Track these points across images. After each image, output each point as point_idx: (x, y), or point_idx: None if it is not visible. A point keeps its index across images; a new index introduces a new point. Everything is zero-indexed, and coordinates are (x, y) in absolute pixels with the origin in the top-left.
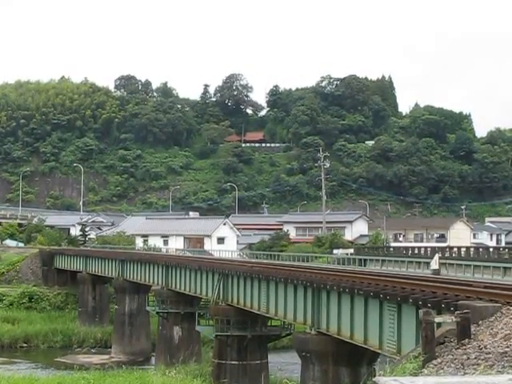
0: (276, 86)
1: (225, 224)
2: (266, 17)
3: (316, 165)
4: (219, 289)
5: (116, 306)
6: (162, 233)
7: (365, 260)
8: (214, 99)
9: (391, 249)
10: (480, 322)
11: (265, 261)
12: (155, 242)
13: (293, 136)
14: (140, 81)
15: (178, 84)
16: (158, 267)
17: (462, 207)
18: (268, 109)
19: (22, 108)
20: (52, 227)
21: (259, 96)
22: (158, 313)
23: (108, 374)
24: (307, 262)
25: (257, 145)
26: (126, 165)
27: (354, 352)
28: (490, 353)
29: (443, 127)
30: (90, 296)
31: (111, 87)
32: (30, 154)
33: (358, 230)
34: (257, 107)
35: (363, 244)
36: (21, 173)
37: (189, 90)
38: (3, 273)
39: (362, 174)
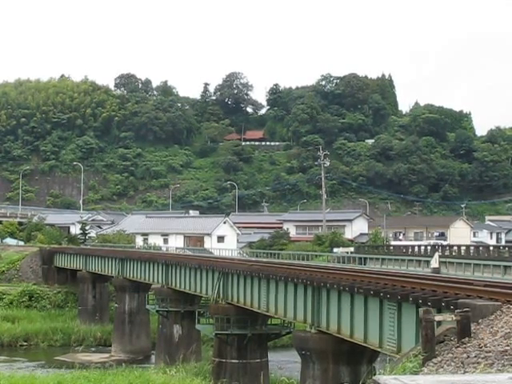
0: (276, 85)
1: (225, 222)
2: (266, 15)
3: (316, 163)
4: (219, 287)
5: (116, 305)
6: (162, 231)
7: (365, 258)
8: (214, 98)
9: (391, 247)
10: (480, 321)
11: (265, 259)
12: (155, 240)
13: (293, 134)
14: (140, 79)
15: (178, 82)
16: (158, 266)
17: (462, 206)
18: (268, 107)
19: (22, 106)
20: (52, 226)
21: (259, 94)
22: (157, 311)
23: (108, 372)
24: (307, 260)
25: (257, 143)
26: (126, 163)
27: (353, 351)
28: (490, 351)
29: (443, 126)
30: (90, 294)
31: (111, 86)
32: (30, 152)
33: (358, 228)
34: (257, 106)
35: (363, 242)
36: (21, 171)
37: (189, 88)
38: (3, 271)
39: (361, 173)
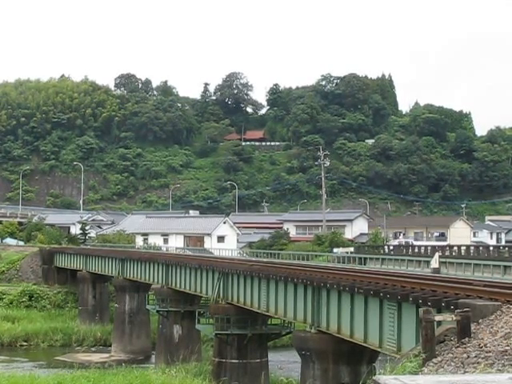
0: (276, 85)
1: (225, 223)
2: (266, 15)
3: (316, 163)
4: (219, 287)
5: (116, 305)
6: (162, 231)
7: (365, 258)
8: (214, 98)
9: (391, 247)
10: (480, 321)
11: (265, 259)
12: (155, 240)
13: (293, 134)
14: (140, 79)
15: (178, 82)
16: (158, 266)
17: (462, 206)
18: (268, 107)
19: (22, 107)
20: (52, 226)
21: (259, 94)
22: (158, 311)
23: (108, 372)
24: (307, 260)
25: (257, 143)
26: (126, 163)
27: (353, 351)
28: (490, 351)
29: (443, 126)
30: (90, 295)
31: (111, 86)
32: (30, 152)
33: (358, 228)
34: (257, 106)
35: (363, 242)
36: (21, 171)
37: (189, 88)
38: (3, 271)
39: (362, 173)
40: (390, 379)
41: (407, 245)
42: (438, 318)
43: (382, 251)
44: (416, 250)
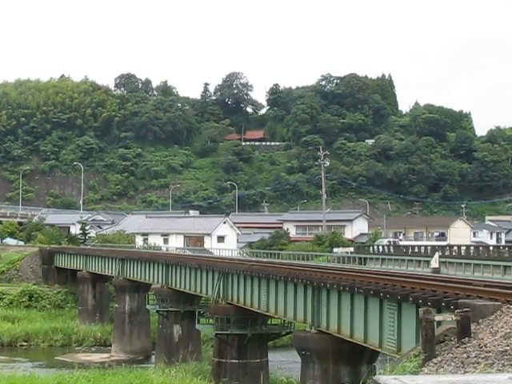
0: (276, 85)
1: (225, 223)
2: (266, 15)
3: (316, 163)
4: (219, 287)
5: (116, 305)
6: (162, 231)
7: (365, 258)
8: (214, 98)
9: (390, 247)
10: (480, 321)
11: (265, 259)
12: (155, 240)
13: (293, 134)
14: (140, 79)
15: (178, 82)
16: (158, 266)
17: (462, 206)
18: (268, 107)
19: (22, 107)
20: (52, 226)
21: (259, 94)
22: (158, 311)
23: (108, 372)
24: (307, 260)
25: (257, 143)
26: (126, 163)
27: (353, 351)
28: (490, 351)
29: (443, 126)
30: (90, 295)
31: (111, 86)
32: (30, 152)
33: (357, 228)
34: (257, 106)
35: (363, 242)
36: (21, 171)
37: (189, 88)
38: (3, 271)
39: (361, 173)
40: (390, 379)
41: (394, 244)
42: (438, 317)
43: (367, 250)
44: (399, 250)
